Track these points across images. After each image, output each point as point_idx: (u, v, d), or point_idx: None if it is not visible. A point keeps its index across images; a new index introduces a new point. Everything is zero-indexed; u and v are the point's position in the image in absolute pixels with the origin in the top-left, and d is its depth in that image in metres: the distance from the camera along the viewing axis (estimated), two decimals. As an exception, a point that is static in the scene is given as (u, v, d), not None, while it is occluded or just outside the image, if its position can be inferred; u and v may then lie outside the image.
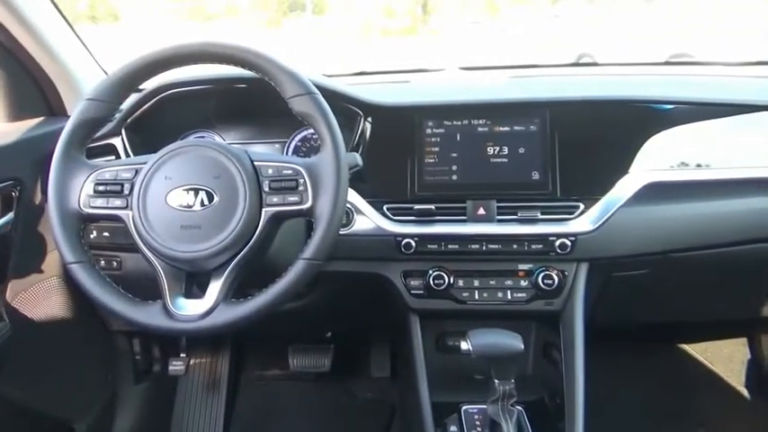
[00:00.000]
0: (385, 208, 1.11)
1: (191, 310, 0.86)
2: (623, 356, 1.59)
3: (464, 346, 0.98)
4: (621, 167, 1.09)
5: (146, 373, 1.56)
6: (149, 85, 1.11)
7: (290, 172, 0.87)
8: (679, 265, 1.13)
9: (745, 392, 1.62)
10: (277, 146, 1.26)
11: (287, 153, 1.26)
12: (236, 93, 1.17)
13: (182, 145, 0.89)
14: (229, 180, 0.86)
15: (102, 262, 1.19)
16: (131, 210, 0.87)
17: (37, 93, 1.21)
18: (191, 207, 0.85)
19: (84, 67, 1.28)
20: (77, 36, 1.29)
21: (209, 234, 0.85)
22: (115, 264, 1.19)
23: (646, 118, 1.12)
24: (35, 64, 1.17)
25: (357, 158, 0.98)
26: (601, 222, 1.04)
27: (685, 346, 1.75)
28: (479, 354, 0.96)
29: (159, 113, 1.17)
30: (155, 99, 1.13)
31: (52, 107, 1.24)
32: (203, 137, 1.27)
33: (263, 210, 0.87)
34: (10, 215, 1.09)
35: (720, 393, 1.64)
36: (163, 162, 0.88)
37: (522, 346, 0.96)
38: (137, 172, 0.89)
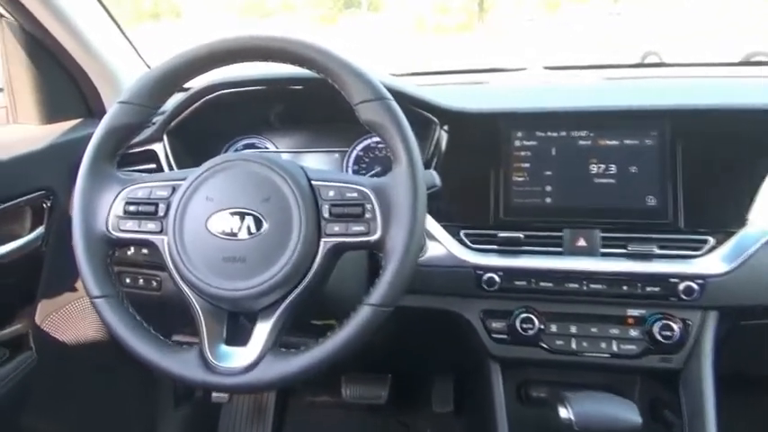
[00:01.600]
0: (462, 234, 0.93)
1: (232, 360, 0.71)
2: (747, 410, 1.34)
3: (563, 413, 0.80)
4: (761, 194, 0.87)
5: (186, 399, 1.43)
6: (196, 84, 0.97)
7: (354, 195, 0.71)
8: None
9: None
10: (336, 155, 1.10)
11: (347, 164, 1.10)
12: (291, 95, 1.02)
13: (226, 159, 0.74)
14: (281, 203, 0.71)
15: (141, 281, 1.06)
16: (166, 235, 0.73)
17: (74, 92, 1.09)
18: (235, 235, 0.71)
19: (127, 64, 1.16)
20: (121, 31, 1.17)
21: (257, 268, 0.69)
22: (154, 284, 1.06)
23: None
24: (72, 60, 1.05)
25: (435, 178, 0.80)
26: (738, 262, 0.83)
27: None
28: (584, 427, 0.77)
29: (206, 117, 1.03)
30: (202, 101, 0.99)
31: (91, 108, 1.12)
32: (253, 144, 1.13)
33: (322, 240, 0.71)
34: (40, 229, 0.97)
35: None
36: (204, 179, 0.73)
37: (640, 420, 0.77)
38: (174, 190, 0.75)
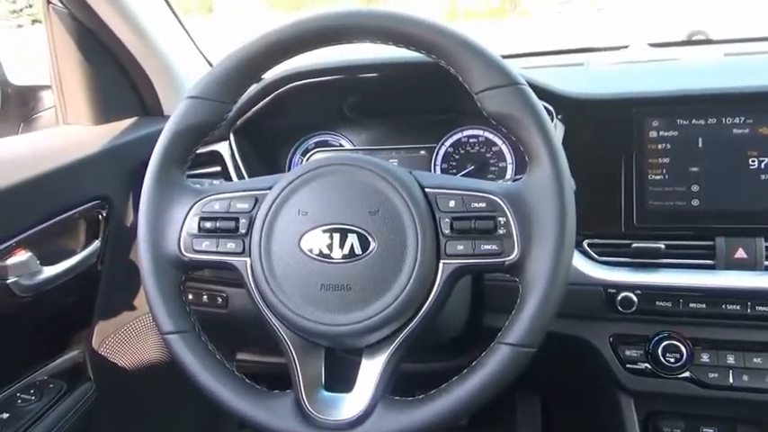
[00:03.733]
0: (586, 245, 0.78)
1: (336, 410, 0.58)
2: None
3: None
4: None
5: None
6: (266, 75, 0.84)
7: (482, 205, 0.57)
8: None
9: None
10: (422, 153, 0.96)
11: (434, 162, 0.95)
12: (369, 84, 0.88)
13: (320, 164, 0.61)
14: (392, 217, 0.57)
15: (205, 297, 0.94)
16: (250, 257, 0.60)
17: (128, 88, 0.98)
18: (336, 257, 0.57)
19: (186, 59, 1.04)
20: (180, 22, 1.05)
21: (364, 298, 0.56)
22: (220, 300, 0.94)
23: None
24: (126, 53, 0.93)
25: (572, 181, 0.66)
26: None
27: None
28: None
29: (275, 112, 0.90)
30: (273, 95, 0.86)
31: (146, 106, 1.00)
32: (326, 141, 0.99)
33: (442, 262, 0.57)
34: (96, 243, 0.86)
35: None
36: (295, 189, 0.60)
37: None
38: (257, 202, 0.62)
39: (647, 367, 0.77)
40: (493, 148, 0.93)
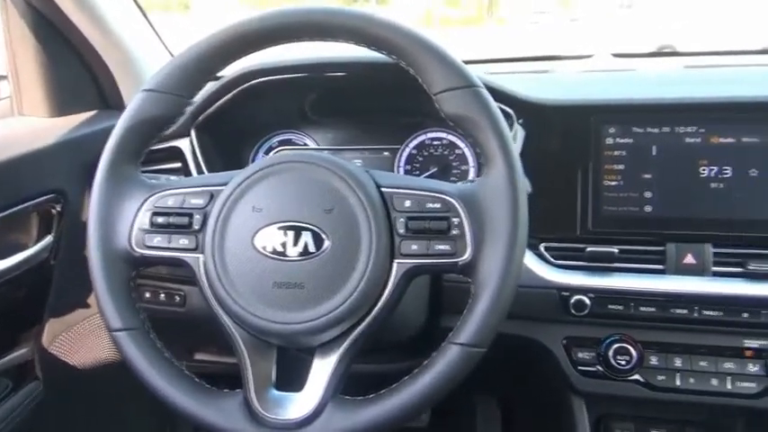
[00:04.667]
0: (543, 248, 0.79)
1: (285, 409, 0.58)
2: None
3: None
4: None
5: None
6: (229, 71, 0.84)
7: (437, 206, 0.57)
8: None
9: None
10: (386, 154, 0.96)
11: (398, 164, 0.95)
12: (334, 83, 0.88)
13: (277, 161, 0.60)
14: (347, 216, 0.57)
15: (162, 296, 0.92)
16: (203, 253, 0.60)
17: (88, 80, 0.96)
18: (289, 255, 0.57)
19: (149, 51, 1.02)
20: (143, 14, 1.03)
21: (317, 297, 0.56)
22: (177, 298, 0.92)
23: None
24: (86, 43, 0.91)
25: (527, 183, 0.66)
26: None
27: None
28: None
29: (238, 109, 0.89)
30: (235, 90, 0.85)
31: (106, 99, 0.98)
32: (290, 140, 0.99)
33: (395, 262, 0.57)
34: (48, 238, 0.84)
35: None
36: (250, 185, 0.60)
37: None
38: (212, 197, 0.61)
39: (598, 369, 0.78)
40: (456, 151, 0.94)
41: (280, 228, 0.58)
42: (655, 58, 1.17)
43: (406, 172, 0.95)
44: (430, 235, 0.57)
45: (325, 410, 0.56)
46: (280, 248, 0.57)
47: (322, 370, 0.58)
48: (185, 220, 0.61)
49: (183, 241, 0.61)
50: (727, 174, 0.75)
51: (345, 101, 0.93)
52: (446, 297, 0.81)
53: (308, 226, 0.57)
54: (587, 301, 0.76)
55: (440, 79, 0.58)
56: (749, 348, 0.75)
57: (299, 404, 0.57)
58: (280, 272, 0.57)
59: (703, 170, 0.76)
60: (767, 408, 0.75)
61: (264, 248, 0.58)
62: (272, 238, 0.58)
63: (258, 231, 0.58)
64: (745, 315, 0.73)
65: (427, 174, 0.94)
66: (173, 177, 0.75)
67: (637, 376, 0.77)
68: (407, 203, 0.58)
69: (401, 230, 0.57)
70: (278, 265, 0.57)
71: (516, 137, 0.82)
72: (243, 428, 0.56)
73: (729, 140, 0.76)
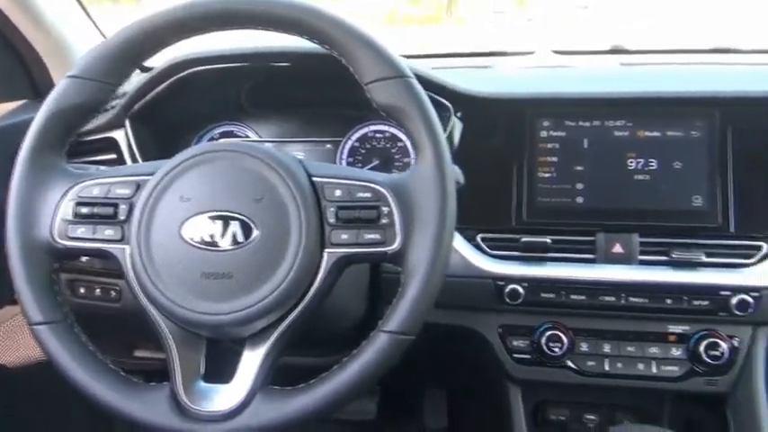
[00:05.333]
0: (479, 239, 0.81)
1: (213, 401, 0.57)
2: None
3: None
4: None
5: None
6: (162, 60, 0.82)
7: (367, 195, 0.58)
8: None
9: None
10: (328, 146, 0.96)
11: (341, 156, 0.95)
12: (275, 74, 0.87)
13: (205, 150, 0.60)
14: (277, 205, 0.57)
15: (98, 291, 0.90)
16: (128, 244, 0.58)
17: (16, 67, 0.92)
18: (217, 245, 0.56)
19: (84, 39, 0.99)
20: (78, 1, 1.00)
21: (245, 287, 0.56)
22: (113, 294, 0.90)
23: None
24: (14, 29, 0.88)
25: (458, 173, 0.68)
26: None
27: None
28: None
29: (175, 99, 0.87)
30: (170, 80, 0.83)
31: (38, 88, 0.95)
32: (232, 132, 0.98)
33: (326, 251, 0.57)
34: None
35: None
36: (178, 174, 0.59)
37: None
38: (139, 187, 0.60)
39: (532, 356, 0.80)
40: (398, 144, 0.95)
41: (208, 217, 0.57)
42: (594, 56, 1.19)
43: (349, 164, 0.95)
44: (359, 224, 0.57)
45: (254, 401, 0.56)
46: (208, 238, 0.56)
47: (252, 361, 0.58)
48: (110, 210, 0.59)
49: (108, 232, 0.59)
50: (652, 166, 0.78)
51: (286, 93, 0.92)
52: (384, 288, 0.81)
53: (236, 215, 0.57)
54: (521, 290, 0.78)
55: (371, 69, 0.59)
56: (672, 333, 0.78)
57: (227, 396, 0.56)
58: (208, 262, 0.56)
59: (631, 163, 0.79)
60: (689, 390, 0.78)
61: (192, 239, 0.57)
62: (200, 227, 0.57)
63: (186, 221, 0.57)
64: (669, 301, 0.76)
65: (370, 166, 0.94)
66: (102, 168, 0.73)
67: (568, 362, 0.79)
68: (338, 193, 0.58)
69: (331, 220, 0.58)
70: (206, 255, 0.56)
71: (454, 129, 0.83)
72: (168, 422, 0.55)
73: (655, 134, 0.79)
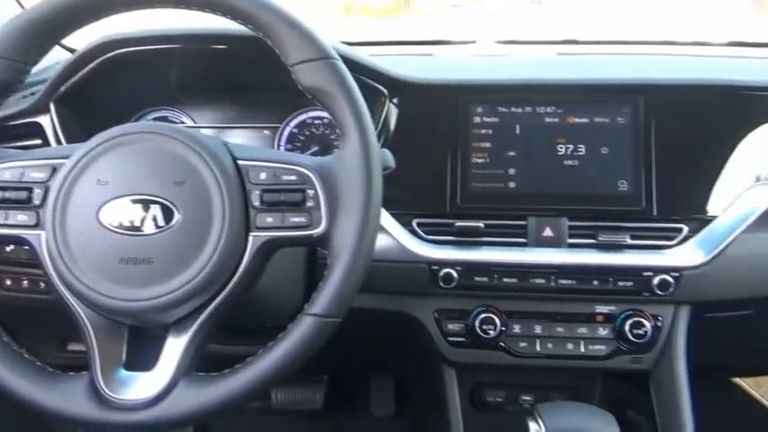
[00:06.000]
0: (415, 224, 0.81)
1: (134, 389, 0.56)
2: (719, 406, 1.31)
3: (534, 429, 0.70)
4: (725, 176, 0.81)
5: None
6: (86, 40, 0.79)
7: (293, 178, 0.57)
8: None
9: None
10: (266, 132, 0.94)
11: (278, 142, 0.94)
12: (211, 57, 0.85)
13: (124, 132, 0.58)
14: (198, 188, 0.56)
15: (25, 282, 0.86)
16: (44, 230, 0.56)
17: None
18: (137, 229, 0.55)
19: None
20: None
21: (167, 272, 0.55)
22: (42, 285, 0.86)
23: (748, 110, 0.83)
24: None
25: (388, 157, 0.68)
26: (715, 253, 0.76)
27: (738, 380, 1.49)
28: None
29: (105, 83, 0.84)
30: (96, 62, 0.80)
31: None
32: (166, 117, 0.95)
33: (251, 235, 0.57)
34: None
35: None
36: (95, 157, 0.57)
37: None
38: (54, 171, 0.58)
39: (466, 339, 0.82)
40: (337, 130, 0.94)
41: (126, 201, 0.55)
42: (534, 46, 1.22)
43: (288, 151, 0.94)
44: (285, 207, 0.57)
45: (176, 388, 0.55)
46: (126, 223, 0.55)
47: (175, 348, 0.57)
48: (24, 194, 0.57)
49: (22, 217, 0.57)
50: (581, 152, 0.80)
51: (221, 77, 0.91)
52: (320, 274, 0.81)
53: (156, 199, 0.55)
54: (455, 274, 0.79)
55: (296, 51, 0.58)
56: (600, 314, 0.80)
57: (148, 383, 0.55)
58: (127, 247, 0.55)
59: (560, 148, 0.81)
60: (615, 368, 0.81)
61: (110, 223, 0.55)
62: (118, 212, 0.55)
63: (103, 205, 0.55)
64: (596, 283, 0.78)
65: (309, 152, 0.93)
66: (13, 151, 0.70)
67: (502, 344, 0.81)
68: (263, 176, 0.58)
69: (256, 203, 0.57)
70: (125, 240, 0.55)
71: (390, 115, 0.84)
72: (85, 411, 0.54)
73: (584, 120, 0.81)
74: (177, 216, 0.55)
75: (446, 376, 0.85)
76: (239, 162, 0.58)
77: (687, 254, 0.77)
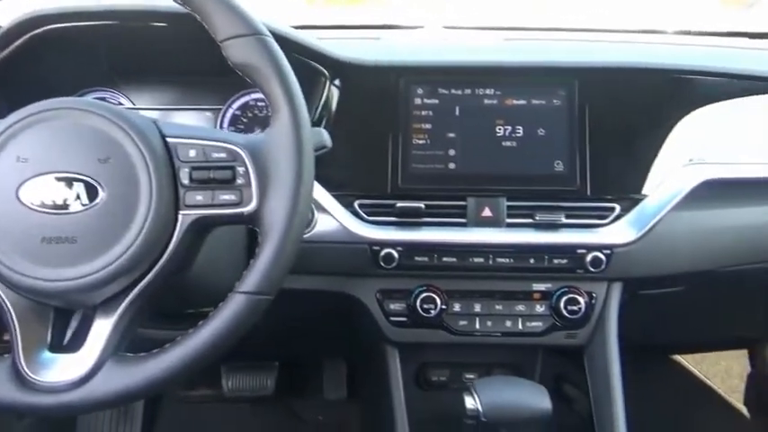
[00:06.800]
0: (357, 205, 0.81)
1: (58, 371, 0.54)
2: (651, 381, 1.36)
3: (469, 403, 0.71)
4: (659, 157, 0.84)
5: None
6: (10, 17, 0.76)
7: (223, 155, 0.57)
8: (720, 281, 0.90)
9: (744, 410, 1.45)
10: (208, 114, 0.93)
11: (221, 125, 0.93)
12: (147, 36, 0.83)
13: (46, 107, 0.56)
14: (124, 165, 0.55)
15: None
16: None
17: None
18: (61, 207, 0.54)
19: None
20: None
21: (92, 251, 0.53)
22: None
23: (682, 94, 0.86)
24: None
25: (324, 136, 0.68)
26: (645, 231, 0.79)
27: (678, 358, 1.56)
28: (494, 418, 0.70)
29: (35, 62, 0.81)
30: (23, 39, 0.77)
31: None
32: (104, 99, 0.93)
33: (180, 213, 0.56)
34: None
35: (718, 411, 1.46)
36: (14, 134, 0.55)
37: (550, 406, 0.70)
38: None
39: (408, 319, 0.83)
40: None
41: (48, 179, 0.54)
42: (481, 31, 1.23)
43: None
44: (214, 185, 0.56)
45: (103, 369, 0.54)
46: (48, 201, 0.53)
47: (102, 328, 0.55)
48: None
49: None
50: (518, 133, 0.82)
51: (157, 57, 0.88)
52: None
53: (79, 176, 0.54)
54: (395, 254, 0.79)
55: (225, 26, 0.57)
56: (537, 291, 0.82)
57: (73, 365, 0.54)
58: (49, 226, 0.53)
59: (499, 129, 0.82)
60: (551, 343, 0.84)
61: (32, 202, 0.54)
62: (39, 190, 0.54)
63: (23, 183, 0.54)
64: (532, 261, 0.80)
65: (252, 135, 0.92)
66: None
67: (443, 323, 0.82)
68: (192, 153, 0.57)
69: (185, 181, 0.56)
70: (47, 219, 0.53)
71: (331, 96, 0.83)
72: (6, 395, 0.53)
73: (521, 102, 0.82)
74: (102, 194, 0.54)
75: (389, 356, 0.86)
76: (168, 139, 0.57)
77: (618, 232, 0.80)
